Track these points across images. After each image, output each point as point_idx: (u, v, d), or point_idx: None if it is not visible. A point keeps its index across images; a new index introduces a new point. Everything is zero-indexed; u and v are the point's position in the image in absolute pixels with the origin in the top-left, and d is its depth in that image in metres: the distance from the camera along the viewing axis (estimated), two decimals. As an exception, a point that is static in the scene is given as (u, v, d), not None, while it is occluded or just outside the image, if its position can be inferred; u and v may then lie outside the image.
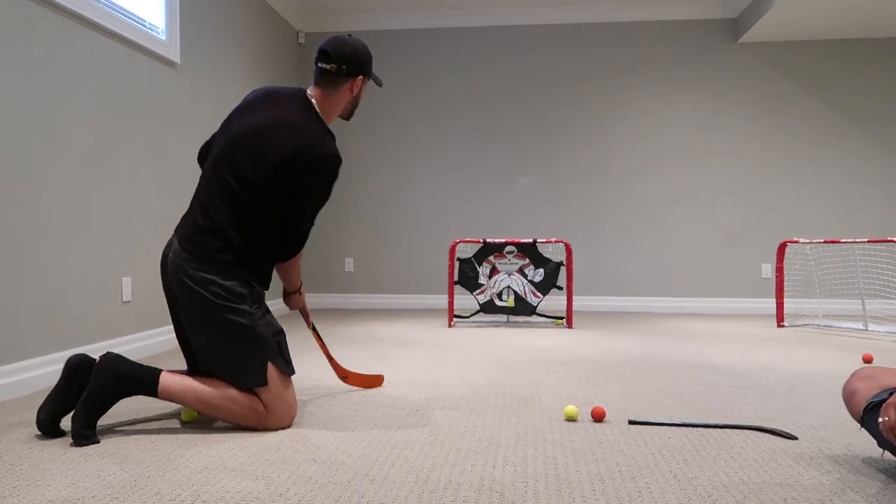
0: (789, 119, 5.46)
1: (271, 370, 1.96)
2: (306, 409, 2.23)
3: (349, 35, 2.18)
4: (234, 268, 1.96)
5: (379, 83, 2.30)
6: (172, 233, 2.08)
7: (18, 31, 2.48)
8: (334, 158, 2.02)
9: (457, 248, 4.82)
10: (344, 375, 2.54)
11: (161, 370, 1.95)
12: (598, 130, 5.63)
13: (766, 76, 5.47)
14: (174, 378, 1.94)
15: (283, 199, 2.01)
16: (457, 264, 4.56)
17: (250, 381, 1.95)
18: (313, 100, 2.12)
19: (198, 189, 2.08)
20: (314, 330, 2.50)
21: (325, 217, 5.83)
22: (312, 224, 2.12)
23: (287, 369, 2.01)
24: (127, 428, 2.01)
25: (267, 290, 2.10)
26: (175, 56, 3.60)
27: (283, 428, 2.00)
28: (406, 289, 5.78)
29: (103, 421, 2.06)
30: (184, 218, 2.08)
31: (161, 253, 3.38)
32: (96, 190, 2.95)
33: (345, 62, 2.11)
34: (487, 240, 4.51)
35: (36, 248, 2.57)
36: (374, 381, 2.59)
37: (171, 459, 1.70)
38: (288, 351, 2.04)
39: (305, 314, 2.46)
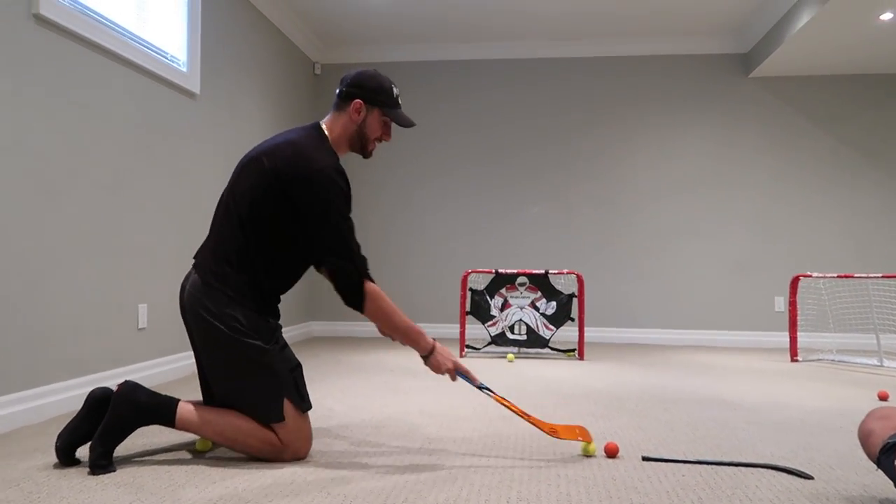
0: (801, 153, 5.48)
1: (287, 406, 1.96)
2: (319, 440, 2.24)
3: (375, 70, 2.17)
4: (249, 298, 1.97)
5: (402, 123, 2.15)
6: (192, 263, 2.10)
7: (43, 62, 2.56)
8: (324, 170, 1.94)
9: (469, 279, 4.83)
10: (553, 431, 2.12)
11: (179, 400, 1.96)
12: (609, 161, 5.67)
13: (777, 110, 5.51)
14: (191, 409, 1.95)
15: (288, 224, 1.97)
16: (469, 295, 4.57)
17: (266, 417, 1.95)
18: (324, 125, 2.14)
19: (214, 218, 2.11)
20: (486, 390, 2.12)
21: (337, 245, 5.85)
22: (350, 246, 1.96)
23: (302, 405, 2.00)
24: (143, 458, 2.02)
25: (278, 317, 2.08)
26: (195, 87, 3.68)
27: (299, 460, 2.01)
28: (417, 318, 5.79)
29: (120, 451, 2.08)
30: (201, 247, 2.10)
31: (179, 284, 3.43)
32: (115, 217, 3.00)
33: (345, 84, 2.12)
34: (499, 270, 4.52)
35: (55, 274, 2.61)
36: (584, 434, 2.12)
37: (185, 490, 1.71)
38: (304, 385, 2.04)
39: (466, 374, 2.09)
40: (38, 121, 2.52)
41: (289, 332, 5.17)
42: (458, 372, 2.09)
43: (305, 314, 5.69)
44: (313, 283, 5.85)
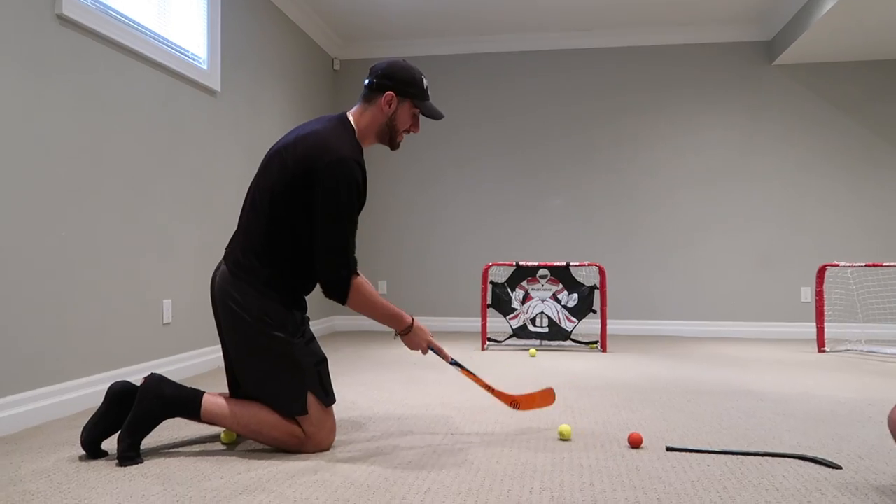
0: (826, 141, 5.38)
1: (311, 400, 1.97)
2: (343, 432, 2.25)
3: (405, 60, 2.16)
4: (276, 291, 1.98)
5: (432, 115, 2.15)
6: (222, 255, 2.12)
7: (67, 61, 2.59)
8: (342, 161, 1.92)
9: (489, 272, 4.83)
10: (515, 403, 2.26)
11: (203, 393, 1.99)
12: (631, 152, 5.61)
13: (802, 98, 5.42)
14: (216, 401, 1.97)
15: (302, 212, 1.96)
16: (490, 288, 4.57)
17: (290, 410, 1.97)
18: (351, 116, 2.12)
19: (242, 210, 2.12)
20: (458, 365, 2.22)
21: (358, 238, 5.89)
22: (346, 245, 1.95)
23: (326, 399, 2.01)
24: (169, 449, 2.05)
25: (304, 310, 2.10)
26: (216, 84, 3.71)
27: (323, 451, 2.02)
28: (438, 311, 5.79)
29: (147, 442, 2.11)
30: (231, 240, 2.12)
31: (202, 279, 3.46)
32: (139, 214, 3.04)
33: (376, 76, 2.10)
34: (520, 263, 4.51)
35: (81, 271, 2.65)
36: (546, 398, 2.29)
37: (211, 480, 1.73)
38: (329, 380, 2.05)
39: (438, 351, 2.17)
40: (62, 120, 2.56)
41: (312, 327, 5.19)
42: (430, 348, 2.15)
43: (329, 309, 5.73)
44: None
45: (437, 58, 5.86)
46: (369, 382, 3.21)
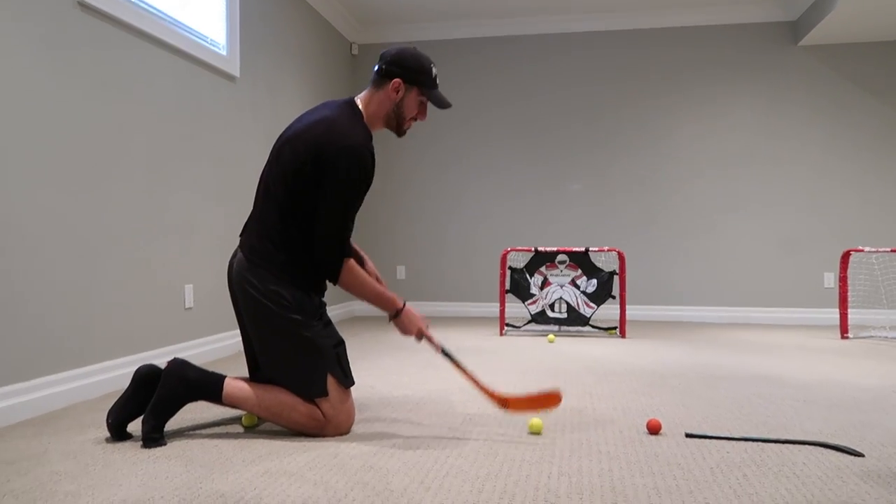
0: (852, 123, 5.28)
1: (331, 381, 1.99)
2: (361, 416, 2.27)
3: (415, 48, 2.16)
4: (292, 276, 2.01)
5: (439, 104, 2.14)
6: (238, 241, 2.15)
7: (88, 47, 2.61)
8: (354, 148, 1.93)
9: (508, 257, 4.81)
10: (504, 403, 2.12)
11: (225, 377, 2.01)
12: (651, 135, 5.55)
13: (827, 79, 5.31)
14: (237, 384, 2.00)
15: (319, 196, 1.96)
16: (508, 273, 4.56)
17: (310, 392, 1.99)
18: (359, 101, 2.13)
19: (255, 196, 2.14)
20: (448, 356, 2.14)
21: (377, 223, 5.91)
22: (337, 232, 1.98)
23: (345, 381, 2.04)
24: (192, 432, 2.08)
25: (322, 293, 2.12)
26: (235, 70, 3.72)
27: (342, 434, 2.04)
28: (457, 296, 5.80)
29: (171, 425, 2.14)
30: (246, 225, 2.14)
31: (223, 264, 3.50)
32: (160, 199, 3.07)
33: (385, 62, 2.10)
34: (539, 248, 4.49)
35: (104, 256, 2.69)
36: (548, 400, 2.10)
37: (233, 463, 1.76)
38: (347, 362, 2.08)
39: (429, 339, 2.12)
40: (83, 106, 2.58)
41: (331, 312, 5.24)
42: (422, 337, 2.11)
43: (347, 294, 5.76)
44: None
45: (455, 41, 5.83)
46: (388, 367, 3.23)
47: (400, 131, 2.19)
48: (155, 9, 3.04)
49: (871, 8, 4.55)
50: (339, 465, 1.74)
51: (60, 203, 2.45)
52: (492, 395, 2.12)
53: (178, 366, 1.95)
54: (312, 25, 4.98)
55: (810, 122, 5.33)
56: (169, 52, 3.13)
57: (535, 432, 2.05)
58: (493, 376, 2.99)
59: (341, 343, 2.07)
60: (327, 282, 2.08)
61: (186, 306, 3.27)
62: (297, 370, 2.00)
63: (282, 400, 1.99)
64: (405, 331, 2.11)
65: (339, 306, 5.48)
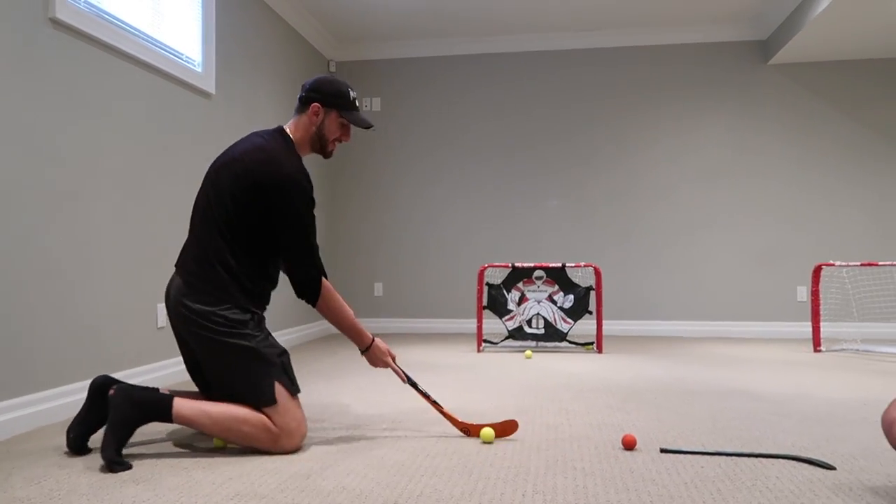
0: (823, 140, 5.39)
1: (278, 388, 2.02)
2: (335, 436, 2.25)
3: (332, 75, 2.28)
4: (231, 296, 2.05)
5: (360, 124, 2.26)
6: (174, 268, 2.17)
7: (61, 65, 2.58)
8: (293, 175, 2.06)
9: (485, 273, 4.82)
10: (466, 429, 2.23)
11: (174, 396, 2.02)
12: (627, 152, 5.61)
13: (798, 97, 5.42)
14: (187, 403, 2.00)
15: (263, 223, 2.07)
16: (486, 289, 4.56)
17: (260, 401, 2.01)
18: (287, 128, 2.24)
19: (191, 222, 2.20)
20: (414, 386, 2.26)
21: (354, 241, 5.89)
22: (304, 254, 2.08)
23: (292, 388, 2.07)
24: (160, 454, 2.04)
25: (264, 307, 2.19)
26: (210, 87, 3.70)
27: (295, 448, 2.04)
28: (435, 313, 5.79)
29: (139, 449, 2.10)
30: (182, 252, 2.18)
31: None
32: (133, 218, 3.03)
33: (305, 90, 2.23)
34: (516, 264, 4.50)
35: (75, 275, 2.64)
36: (507, 429, 2.21)
37: (202, 486, 1.72)
38: (292, 370, 2.12)
39: (396, 372, 2.26)
40: (55, 123, 2.55)
41: (306, 330, 5.20)
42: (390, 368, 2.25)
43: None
44: (333, 281, 5.88)
45: (432, 59, 5.86)
46: (364, 385, 3.21)
47: (325, 153, 2.30)
48: (129, 26, 3.02)
49: (838, 28, 4.67)
50: (311, 486, 1.72)
51: (31, 223, 2.41)
52: (455, 422, 2.24)
53: (123, 390, 1.95)
54: (289, 43, 4.98)
55: (781, 138, 5.43)
56: (143, 69, 3.11)
57: (487, 441, 2.13)
58: (470, 394, 2.98)
59: (285, 352, 2.12)
60: (303, 299, 2.14)
61: (159, 325, 3.22)
62: (245, 380, 2.02)
63: (233, 413, 2.00)
64: (375, 363, 2.24)
65: (313, 325, 5.43)
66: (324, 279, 2.12)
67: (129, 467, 1.87)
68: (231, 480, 1.77)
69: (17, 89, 2.36)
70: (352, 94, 2.26)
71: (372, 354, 2.23)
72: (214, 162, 2.20)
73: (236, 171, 2.08)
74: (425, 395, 2.26)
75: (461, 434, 2.24)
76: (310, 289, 2.10)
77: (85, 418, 1.99)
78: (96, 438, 1.97)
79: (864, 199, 5.33)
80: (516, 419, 2.33)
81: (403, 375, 2.26)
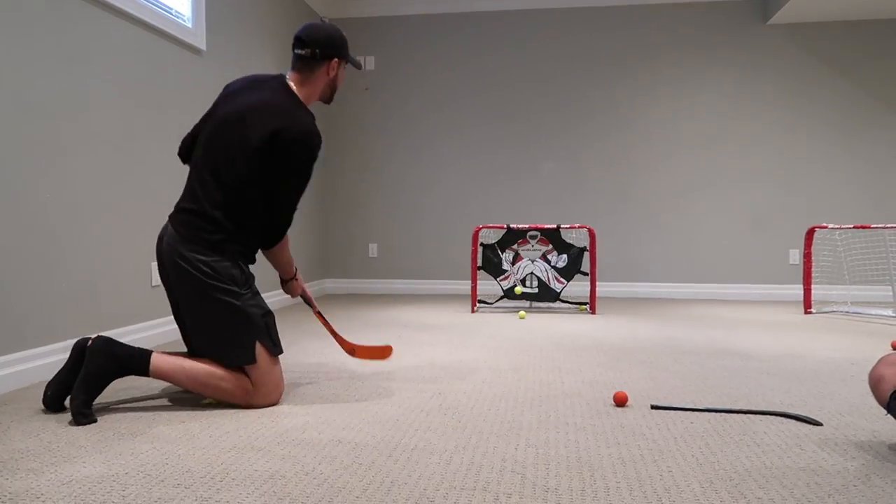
0: (820, 102, 5.35)
1: (259, 349, 2.04)
2: (330, 392, 2.27)
3: (322, 20, 2.26)
4: (224, 249, 2.05)
5: (357, 65, 2.31)
6: (167, 218, 2.16)
7: (48, 19, 2.53)
8: (313, 136, 2.07)
9: (480, 234, 4.82)
10: (351, 350, 2.53)
11: (153, 352, 2.04)
12: (622, 115, 5.57)
13: (796, 58, 5.37)
14: (165, 358, 2.03)
15: (268, 180, 2.07)
16: (480, 250, 4.57)
17: (239, 359, 2.03)
18: (292, 84, 2.20)
19: (189, 175, 2.17)
20: (319, 314, 2.51)
21: (350, 202, 5.87)
22: (295, 208, 2.16)
23: (274, 349, 2.09)
24: (158, 409, 2.06)
25: (254, 263, 2.21)
26: (201, 43, 3.64)
27: (271, 404, 2.08)
28: (429, 274, 5.80)
29: (136, 402, 2.12)
30: (178, 203, 2.17)
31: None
32: (125, 175, 3.01)
33: (318, 46, 2.17)
34: (511, 225, 4.51)
35: (67, 233, 2.63)
36: (382, 353, 2.57)
37: (200, 439, 1.75)
38: (276, 332, 2.13)
39: (307, 300, 2.44)
40: (42, 77, 2.50)
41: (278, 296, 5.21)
42: (302, 295, 2.41)
43: (320, 272, 5.73)
44: (327, 242, 5.87)
45: (429, 17, 5.76)
46: (359, 342, 3.22)
47: (331, 100, 2.32)
48: (116, -22, 2.94)
49: (839, -13, 4.60)
50: (307, 439, 1.74)
51: (20, 179, 2.38)
52: (343, 343, 2.51)
53: (103, 343, 1.96)
54: (281, -2, 4.88)
55: (778, 101, 5.40)
56: (131, 22, 3.05)
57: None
58: (465, 352, 3.01)
59: (269, 313, 2.13)
60: (266, 247, 2.21)
61: (153, 284, 3.22)
62: (226, 338, 2.04)
63: (210, 370, 2.03)
64: (294, 292, 2.37)
65: (311, 283, 5.44)
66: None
67: (94, 421, 1.89)
68: (228, 434, 1.79)
69: (1, 43, 2.31)
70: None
71: (294, 285, 2.35)
72: (214, 110, 2.16)
73: (251, 124, 2.05)
74: (323, 319, 2.50)
75: (349, 354, 2.53)
76: (278, 237, 2.17)
77: (64, 379, 1.98)
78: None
79: (857, 162, 5.32)
80: (391, 345, 2.60)
81: (315, 305, 2.44)
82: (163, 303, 3.29)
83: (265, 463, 1.56)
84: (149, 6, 3.15)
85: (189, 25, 3.56)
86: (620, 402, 2.08)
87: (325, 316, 2.59)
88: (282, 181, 2.08)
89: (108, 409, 2.05)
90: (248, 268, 2.14)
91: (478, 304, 4.65)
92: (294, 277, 2.35)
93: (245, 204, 2.07)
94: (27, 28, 2.42)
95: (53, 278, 2.55)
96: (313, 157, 2.10)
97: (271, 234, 2.16)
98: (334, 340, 2.54)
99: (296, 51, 2.19)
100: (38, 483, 1.44)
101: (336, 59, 2.21)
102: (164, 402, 2.14)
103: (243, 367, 2.04)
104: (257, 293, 2.13)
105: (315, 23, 2.22)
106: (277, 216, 2.13)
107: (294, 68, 2.21)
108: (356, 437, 1.76)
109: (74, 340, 2.62)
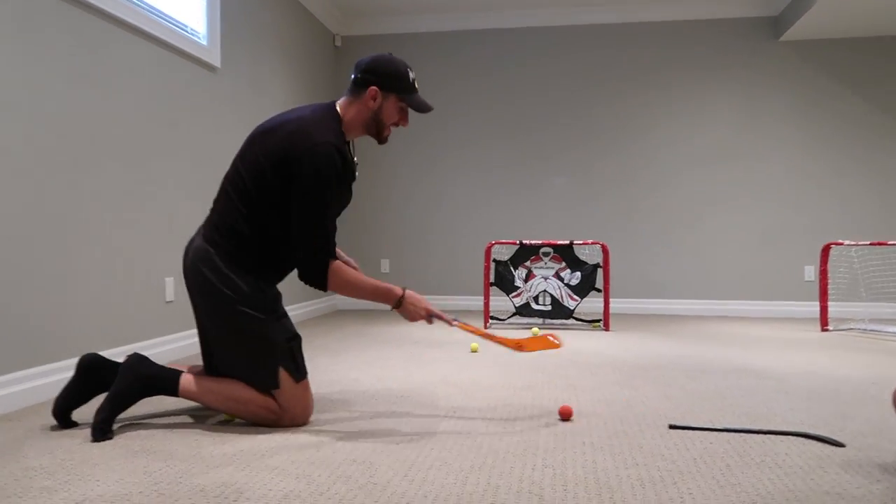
0: (833, 118, 5.33)
1: (283, 375, 1.99)
2: (344, 410, 2.25)
3: (390, 54, 2.15)
4: (249, 266, 2.02)
5: (418, 108, 2.13)
6: (190, 233, 2.16)
7: (65, 37, 2.56)
8: (316, 147, 1.93)
9: (493, 250, 4.81)
10: (518, 346, 2.20)
11: (182, 372, 2.04)
12: (635, 130, 5.57)
13: (808, 75, 5.35)
14: (193, 379, 2.02)
15: (285, 196, 1.98)
16: (493, 266, 4.56)
17: (264, 385, 2.00)
18: (339, 106, 2.13)
19: (220, 188, 2.14)
20: (460, 323, 2.17)
21: (361, 217, 5.88)
22: (312, 234, 1.97)
23: (297, 374, 2.02)
24: (171, 426, 2.05)
25: (281, 281, 2.13)
26: (216, 60, 3.67)
27: (300, 425, 2.04)
28: (441, 290, 5.79)
29: (152, 418, 2.11)
30: (208, 216, 2.14)
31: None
32: (139, 191, 3.02)
33: (360, 71, 2.10)
34: (523, 241, 4.49)
35: (82, 248, 2.64)
36: (549, 343, 2.21)
37: (214, 457, 1.73)
38: (301, 356, 2.06)
39: (439, 317, 2.09)
40: (59, 95, 2.53)
41: (314, 306, 5.21)
42: (431, 315, 2.09)
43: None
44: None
45: (439, 34, 5.79)
46: (371, 360, 3.21)
47: (381, 138, 2.18)
48: (133, -3, 2.98)
49: (851, 5, 4.59)
50: (322, 458, 1.73)
51: (37, 196, 2.40)
52: (507, 342, 2.19)
53: (135, 361, 1.97)
54: (295, 16, 4.93)
55: (791, 117, 5.37)
56: (148, 41, 3.08)
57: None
58: (478, 370, 2.98)
59: (296, 337, 2.06)
60: (310, 285, 2.03)
61: (167, 300, 3.22)
62: (250, 363, 2.01)
63: (237, 393, 2.00)
64: (413, 317, 2.07)
65: (321, 300, 5.44)
66: (332, 261, 2.00)
67: (111, 437, 1.90)
68: (242, 452, 1.77)
69: (19, 59, 2.34)
70: (411, 75, 2.12)
71: (406, 309, 2.05)
72: (255, 130, 2.12)
73: (266, 144, 2.01)
74: (472, 327, 2.17)
75: (517, 350, 2.23)
76: (314, 274, 1.98)
77: (70, 394, 1.98)
78: (81, 415, 1.97)
79: (872, 179, 5.28)
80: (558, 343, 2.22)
81: (449, 319, 2.11)
82: (176, 319, 3.30)
83: (279, 482, 1.54)
84: (164, 24, 3.19)
85: (204, 43, 3.59)
86: (566, 416, 2.10)
87: (464, 322, 2.25)
88: (294, 199, 1.97)
89: (121, 425, 2.04)
90: (273, 290, 2.08)
91: (490, 321, 4.63)
92: (399, 304, 2.05)
93: (269, 220, 2.01)
94: (44, 45, 2.45)
95: (67, 294, 2.55)
96: (318, 173, 1.93)
97: (297, 268, 2.02)
98: (494, 342, 2.23)
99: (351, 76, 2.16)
100: (52, 502, 1.43)
101: (376, 89, 2.08)
102: (177, 418, 2.13)
103: (270, 392, 2.01)
104: (284, 315, 2.06)
105: (380, 54, 2.15)
106: (294, 240, 1.99)
107: (346, 91, 2.15)
108: (371, 456, 1.75)
109: (88, 356, 2.63)
